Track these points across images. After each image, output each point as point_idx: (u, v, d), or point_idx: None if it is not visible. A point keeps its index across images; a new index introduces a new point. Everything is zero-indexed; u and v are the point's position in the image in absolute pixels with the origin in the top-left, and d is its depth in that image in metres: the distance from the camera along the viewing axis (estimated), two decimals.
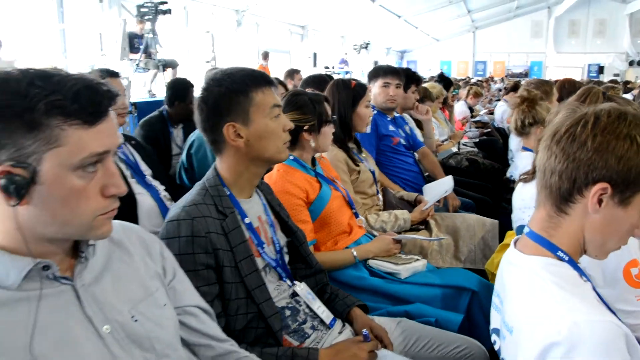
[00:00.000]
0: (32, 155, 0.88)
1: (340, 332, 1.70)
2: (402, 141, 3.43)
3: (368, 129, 2.88)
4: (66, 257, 1.02)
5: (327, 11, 16.68)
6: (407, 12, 19.96)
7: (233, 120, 1.52)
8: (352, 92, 2.73)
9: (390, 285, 2.10)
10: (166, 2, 8.16)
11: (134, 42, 8.48)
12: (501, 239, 2.72)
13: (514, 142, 3.55)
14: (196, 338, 1.23)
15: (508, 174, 3.59)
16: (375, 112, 3.29)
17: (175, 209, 1.53)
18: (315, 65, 16.14)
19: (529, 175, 2.00)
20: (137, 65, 8.15)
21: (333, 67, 16.54)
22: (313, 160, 2.28)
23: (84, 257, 1.03)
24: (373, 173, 2.83)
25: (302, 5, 15.24)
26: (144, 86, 8.87)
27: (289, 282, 1.69)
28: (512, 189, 4.04)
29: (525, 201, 1.99)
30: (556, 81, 5.01)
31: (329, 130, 2.28)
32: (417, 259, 2.23)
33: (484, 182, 4.25)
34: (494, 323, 1.30)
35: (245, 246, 1.53)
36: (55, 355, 0.92)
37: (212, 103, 1.53)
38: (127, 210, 2.41)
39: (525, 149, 3.14)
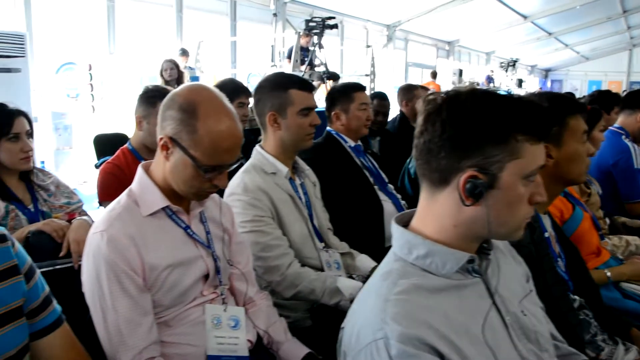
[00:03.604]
0: (495, 164, 1.02)
1: (627, 349, 1.76)
2: None
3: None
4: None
5: (475, 28, 16.49)
6: (559, 29, 19.09)
7: (546, 142, 1.66)
8: (587, 115, 2.77)
9: None
10: (334, 17, 8.57)
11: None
12: None
13: None
14: None
15: None
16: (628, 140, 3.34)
17: None
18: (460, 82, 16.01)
19: None
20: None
21: (478, 84, 16.28)
22: None
23: (488, 255, 1.16)
24: (601, 196, 2.85)
25: (450, 22, 15.19)
26: None
27: (571, 295, 1.79)
28: None
29: None
30: None
31: None
32: None
33: None
34: None
35: (549, 257, 1.66)
36: (490, 340, 1.05)
37: None
38: (375, 215, 2.64)
39: None
